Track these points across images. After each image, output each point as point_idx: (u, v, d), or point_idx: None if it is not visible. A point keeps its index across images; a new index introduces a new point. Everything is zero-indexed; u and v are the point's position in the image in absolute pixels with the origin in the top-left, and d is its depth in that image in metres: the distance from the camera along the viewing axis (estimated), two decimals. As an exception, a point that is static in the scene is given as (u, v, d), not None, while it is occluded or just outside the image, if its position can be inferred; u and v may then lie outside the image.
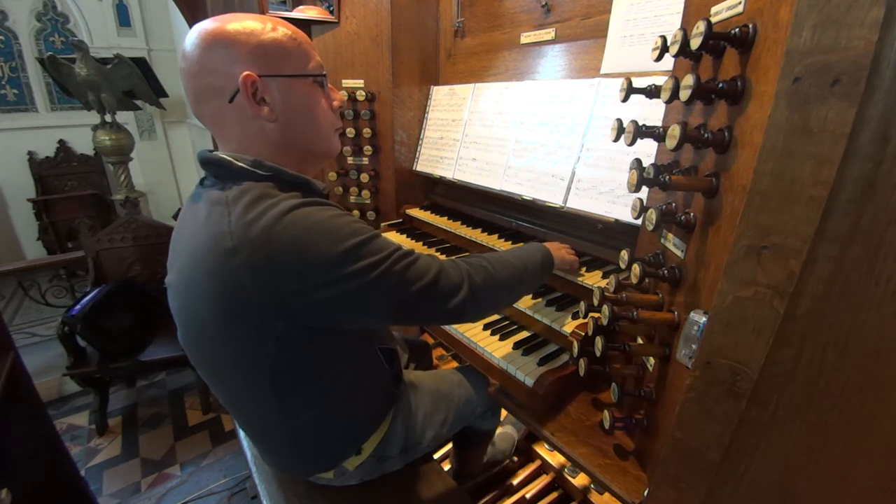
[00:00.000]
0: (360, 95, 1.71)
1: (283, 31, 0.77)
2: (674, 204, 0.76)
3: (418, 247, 1.57)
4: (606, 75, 1.17)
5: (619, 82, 0.77)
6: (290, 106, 0.77)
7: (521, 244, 1.33)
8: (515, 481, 1.52)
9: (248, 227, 0.66)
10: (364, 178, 1.81)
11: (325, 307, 0.69)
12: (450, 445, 1.72)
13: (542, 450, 1.58)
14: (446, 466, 1.63)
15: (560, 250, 1.11)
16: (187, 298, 0.75)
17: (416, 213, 1.76)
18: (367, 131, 1.76)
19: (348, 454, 0.97)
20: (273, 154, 0.77)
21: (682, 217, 0.70)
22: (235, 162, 0.74)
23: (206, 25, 0.73)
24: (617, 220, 1.07)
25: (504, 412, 1.60)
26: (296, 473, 1.02)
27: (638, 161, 0.70)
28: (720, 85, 0.61)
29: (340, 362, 0.84)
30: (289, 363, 0.76)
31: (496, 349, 1.12)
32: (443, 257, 1.43)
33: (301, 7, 1.73)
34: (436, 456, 1.70)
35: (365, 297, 0.70)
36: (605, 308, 0.77)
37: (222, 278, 0.67)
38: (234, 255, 0.65)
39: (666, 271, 0.75)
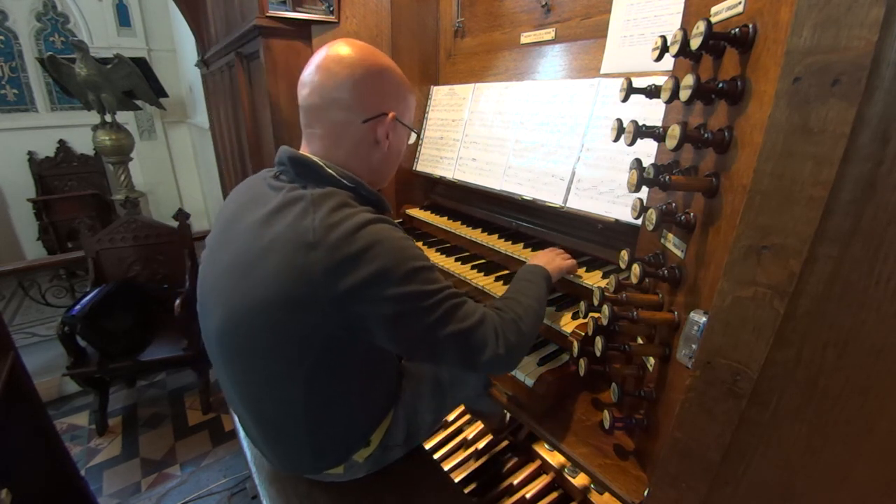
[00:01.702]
0: (360, 95, 1.71)
1: (411, 89, 0.92)
2: (674, 204, 0.76)
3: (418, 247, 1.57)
4: (606, 75, 1.17)
5: (619, 82, 0.77)
6: (394, 146, 0.91)
7: (520, 245, 1.34)
8: (515, 481, 1.51)
9: (331, 228, 0.72)
10: (364, 178, 1.81)
11: (374, 321, 0.74)
12: (449, 446, 1.73)
13: (542, 450, 1.58)
14: (446, 467, 1.63)
15: (554, 261, 1.10)
16: (244, 281, 0.77)
17: (416, 213, 1.76)
18: (367, 131, 1.76)
19: (358, 447, 0.98)
20: (362, 171, 0.86)
21: (682, 217, 0.70)
22: (325, 168, 0.81)
23: (372, 54, 0.84)
24: (617, 220, 1.07)
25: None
26: (306, 471, 1.02)
27: (638, 161, 0.70)
28: (720, 85, 0.61)
29: (368, 361, 0.87)
30: (328, 360, 0.79)
31: (496, 349, 1.12)
32: (444, 258, 1.45)
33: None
34: (436, 456, 1.70)
35: (407, 321, 0.74)
36: (605, 308, 0.77)
37: (295, 267, 0.71)
38: (312, 250, 0.71)
39: (666, 271, 0.75)
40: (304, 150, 0.86)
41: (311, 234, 0.71)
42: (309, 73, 0.84)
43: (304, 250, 0.71)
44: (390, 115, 0.85)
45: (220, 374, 0.92)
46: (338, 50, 0.83)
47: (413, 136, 0.97)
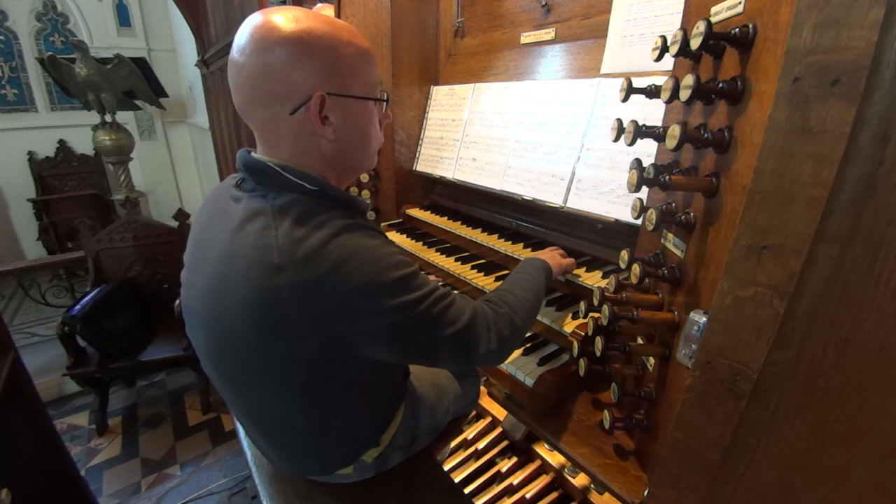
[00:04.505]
0: (360, 95, 1.71)
1: (356, 45, 0.73)
2: (674, 204, 0.76)
3: (418, 247, 1.57)
4: (606, 75, 1.17)
5: (619, 82, 0.77)
6: (350, 126, 0.75)
7: (520, 245, 1.34)
8: (515, 481, 1.51)
9: (296, 245, 0.65)
10: (364, 177, 1.80)
11: (360, 336, 0.69)
12: (449, 446, 1.73)
13: (542, 450, 1.58)
14: (446, 467, 1.63)
15: (554, 259, 1.10)
16: (217, 305, 0.73)
17: (416, 213, 1.76)
18: (367, 131, 1.76)
19: (367, 448, 0.97)
20: (320, 167, 0.76)
21: (682, 217, 0.70)
22: (282, 172, 0.71)
23: (280, 24, 0.67)
24: (617, 220, 1.07)
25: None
26: (315, 474, 1.02)
27: (638, 161, 0.70)
28: (720, 85, 0.61)
29: (368, 372, 0.84)
30: (319, 378, 0.76)
31: (496, 349, 1.12)
32: (444, 258, 1.45)
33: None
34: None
35: (399, 332, 0.70)
36: (605, 308, 0.77)
37: (263, 293, 0.65)
38: (279, 272, 0.64)
39: (666, 271, 0.75)
40: (258, 153, 0.77)
41: (275, 255, 0.64)
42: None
43: (270, 274, 0.64)
44: (316, 95, 0.69)
45: (219, 388, 0.90)
46: (243, 34, 0.69)
47: (384, 105, 0.81)
